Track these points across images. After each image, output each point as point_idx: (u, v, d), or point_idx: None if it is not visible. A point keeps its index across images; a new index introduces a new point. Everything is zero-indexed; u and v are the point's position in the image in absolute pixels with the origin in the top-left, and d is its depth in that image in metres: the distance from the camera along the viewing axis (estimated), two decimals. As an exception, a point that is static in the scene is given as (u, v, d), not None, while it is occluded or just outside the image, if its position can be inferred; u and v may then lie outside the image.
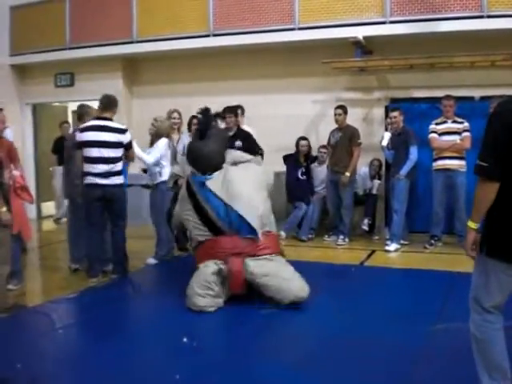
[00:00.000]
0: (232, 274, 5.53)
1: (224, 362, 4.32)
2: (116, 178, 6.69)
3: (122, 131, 6.77)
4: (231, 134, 7.94)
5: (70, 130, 8.51)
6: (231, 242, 5.71)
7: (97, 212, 6.68)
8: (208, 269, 5.57)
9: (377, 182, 9.53)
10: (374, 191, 9.53)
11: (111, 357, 4.40)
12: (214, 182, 5.88)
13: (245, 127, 9.00)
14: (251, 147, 7.78)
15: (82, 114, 7.28)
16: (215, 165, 6.09)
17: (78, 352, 4.58)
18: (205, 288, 5.46)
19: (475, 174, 3.19)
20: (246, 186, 5.88)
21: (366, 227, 9.24)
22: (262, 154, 7.73)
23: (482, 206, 3.21)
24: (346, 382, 3.88)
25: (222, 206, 5.77)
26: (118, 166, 6.71)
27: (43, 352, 4.59)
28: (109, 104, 6.90)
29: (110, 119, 6.79)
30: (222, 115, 7.74)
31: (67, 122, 11.92)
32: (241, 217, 5.68)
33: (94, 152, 6.58)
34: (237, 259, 5.56)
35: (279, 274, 5.53)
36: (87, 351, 4.56)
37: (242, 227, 5.72)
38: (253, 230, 5.67)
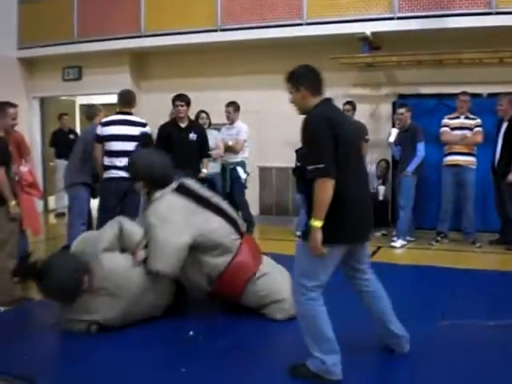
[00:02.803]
0: None
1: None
2: None
3: (143, 125, 6.90)
4: (183, 125, 7.74)
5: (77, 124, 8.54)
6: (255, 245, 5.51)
7: (113, 205, 6.76)
8: None
9: (382, 188, 9.48)
10: (381, 197, 9.47)
11: (118, 349, 4.45)
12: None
13: (239, 123, 9.06)
14: (205, 144, 7.89)
15: (92, 113, 7.43)
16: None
17: (83, 345, 4.60)
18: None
19: (312, 177, 3.57)
20: None
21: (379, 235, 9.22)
22: (209, 156, 8.03)
23: (325, 204, 3.56)
24: (352, 377, 3.88)
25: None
26: None
27: (50, 345, 4.61)
28: (130, 99, 7.08)
29: (131, 113, 6.96)
30: (172, 102, 7.65)
31: (66, 114, 11.93)
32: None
33: (118, 146, 6.71)
34: None
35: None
36: (93, 343, 4.59)
37: None
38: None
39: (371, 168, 9.47)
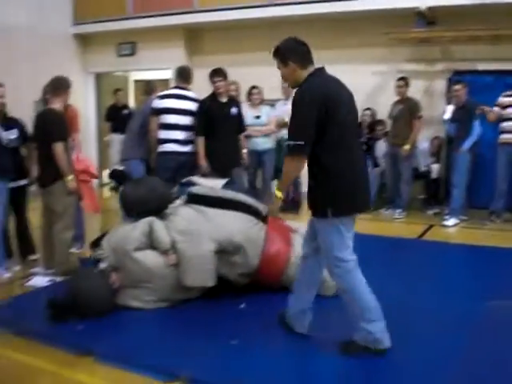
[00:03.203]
0: None
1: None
2: (190, 146, 6.97)
3: (198, 101, 7.03)
4: (224, 100, 7.22)
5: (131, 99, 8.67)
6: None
7: (168, 179, 6.83)
8: None
9: (436, 165, 9.33)
10: (434, 175, 9.32)
11: (170, 322, 4.55)
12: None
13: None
14: (243, 119, 7.58)
15: (150, 89, 7.55)
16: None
17: (136, 316, 4.73)
18: None
19: (290, 153, 3.72)
20: None
21: (432, 214, 9.15)
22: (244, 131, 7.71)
23: (291, 179, 3.96)
24: (400, 354, 3.90)
25: None
26: (193, 135, 6.98)
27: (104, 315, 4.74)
28: (188, 75, 7.23)
29: (188, 89, 7.10)
30: (210, 78, 7.18)
31: (121, 89, 12.07)
32: None
33: (173, 119, 6.86)
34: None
35: None
36: (147, 315, 4.72)
37: None
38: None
39: (425, 145, 9.35)
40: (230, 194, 5.38)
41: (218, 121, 6.95)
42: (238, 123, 7.38)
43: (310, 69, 4.01)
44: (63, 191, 5.64)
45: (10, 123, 6.16)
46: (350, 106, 3.93)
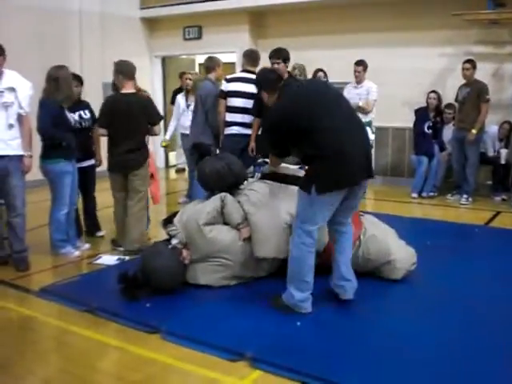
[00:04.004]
0: None
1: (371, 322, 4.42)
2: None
3: None
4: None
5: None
6: None
7: None
8: None
9: (504, 150, 9.06)
10: (503, 161, 9.03)
11: (233, 302, 4.65)
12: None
13: (368, 82, 8.92)
14: None
15: (211, 66, 7.58)
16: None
17: (199, 295, 4.84)
18: None
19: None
20: None
21: (499, 200, 8.98)
22: None
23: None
24: (464, 343, 3.88)
25: None
26: None
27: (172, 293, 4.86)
28: (256, 58, 7.26)
29: (255, 72, 7.00)
30: (269, 59, 6.73)
31: (186, 72, 12.17)
32: None
33: (239, 102, 6.97)
34: None
35: None
36: (215, 294, 4.82)
37: None
38: None
39: (494, 129, 9.14)
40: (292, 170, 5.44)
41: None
42: None
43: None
44: (147, 174, 6.06)
45: (82, 105, 6.54)
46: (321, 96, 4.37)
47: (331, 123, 4.14)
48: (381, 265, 5.04)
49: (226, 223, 5.02)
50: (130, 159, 5.93)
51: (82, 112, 6.45)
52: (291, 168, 5.43)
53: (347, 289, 4.50)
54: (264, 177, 5.39)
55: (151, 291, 4.70)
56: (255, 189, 5.15)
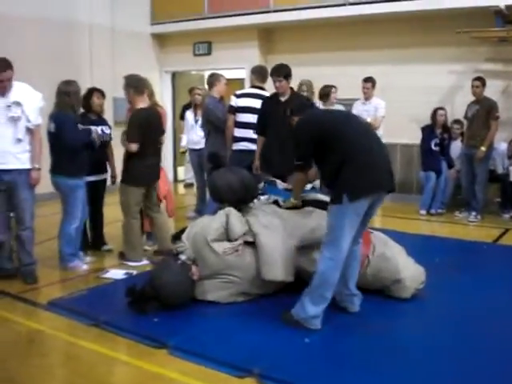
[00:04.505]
0: None
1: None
2: None
3: None
4: (283, 99, 6.49)
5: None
6: None
7: None
8: None
9: None
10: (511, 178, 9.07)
11: (241, 317, 4.65)
12: None
13: (376, 99, 8.95)
14: None
15: (211, 81, 7.77)
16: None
17: (209, 312, 4.84)
18: None
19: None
20: None
21: (508, 218, 8.94)
22: None
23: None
24: (475, 363, 3.87)
25: None
26: None
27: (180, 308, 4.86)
28: (265, 74, 7.27)
29: (264, 88, 7.20)
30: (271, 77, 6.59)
31: (195, 88, 12.20)
32: None
33: (249, 118, 6.98)
34: None
35: None
36: (223, 310, 4.82)
37: None
38: None
39: (503, 146, 9.12)
40: (311, 196, 5.48)
41: (273, 122, 6.46)
42: None
43: None
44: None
45: (104, 121, 6.73)
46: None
47: (356, 134, 4.33)
48: (390, 283, 5.01)
49: (229, 239, 5.02)
50: (156, 172, 6.26)
51: (103, 127, 6.53)
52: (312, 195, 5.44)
53: (355, 302, 4.62)
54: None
55: (159, 306, 4.70)
56: (266, 210, 5.18)
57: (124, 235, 6.24)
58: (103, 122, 6.64)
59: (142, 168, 6.05)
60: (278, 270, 4.79)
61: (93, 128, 6.21)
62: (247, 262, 4.92)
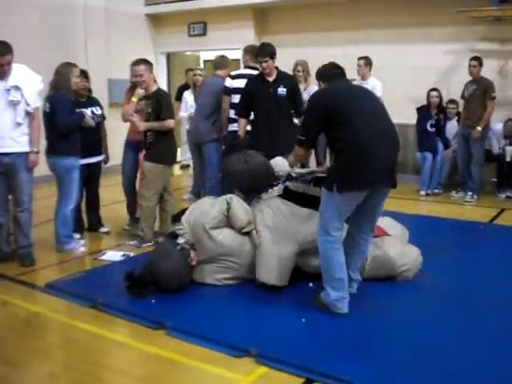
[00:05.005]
0: None
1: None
2: None
3: None
4: (271, 78, 6.39)
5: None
6: None
7: None
8: None
9: (510, 148, 8.98)
10: (508, 158, 8.96)
11: (239, 300, 4.66)
12: None
13: (373, 79, 8.92)
14: (297, 100, 6.53)
15: (222, 64, 7.69)
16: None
17: (209, 293, 4.86)
18: None
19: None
20: None
21: (504, 198, 8.95)
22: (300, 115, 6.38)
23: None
24: (469, 342, 3.90)
25: None
26: None
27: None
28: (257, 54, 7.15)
29: (258, 69, 7.02)
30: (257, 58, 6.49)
31: (192, 69, 12.11)
32: None
33: None
34: None
35: None
36: (218, 293, 4.84)
37: None
38: None
39: (499, 126, 9.12)
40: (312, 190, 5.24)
41: (261, 103, 6.38)
42: (291, 105, 6.52)
43: None
44: None
45: (94, 102, 6.65)
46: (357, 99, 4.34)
47: (364, 121, 4.14)
48: (392, 276, 5.04)
49: (231, 226, 5.00)
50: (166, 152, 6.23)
51: (93, 108, 6.50)
52: (312, 189, 5.20)
53: (353, 285, 4.60)
54: (285, 192, 5.20)
55: (156, 291, 4.71)
56: (272, 206, 5.04)
57: (146, 218, 6.17)
58: (93, 103, 6.58)
59: (172, 146, 6.24)
60: (272, 274, 4.74)
61: (84, 112, 6.18)
62: (247, 249, 4.92)
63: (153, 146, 6.05)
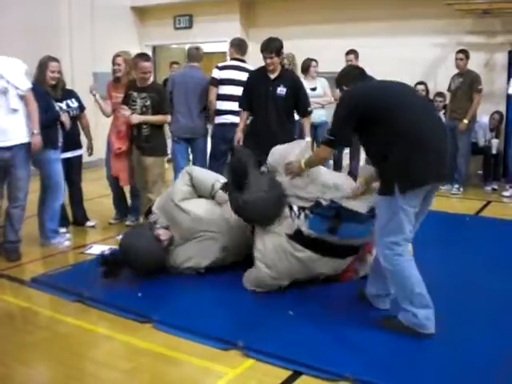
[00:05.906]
0: None
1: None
2: None
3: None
4: (272, 76, 6.13)
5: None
6: None
7: (223, 151, 7.06)
8: None
9: (495, 141, 9.05)
10: (494, 150, 9.05)
11: (224, 290, 4.65)
12: None
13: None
14: (302, 99, 6.27)
15: (199, 56, 7.49)
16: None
17: (194, 283, 4.84)
18: None
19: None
20: None
21: (490, 190, 8.99)
22: (309, 114, 6.40)
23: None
24: (454, 334, 3.91)
25: None
26: None
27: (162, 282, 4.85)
28: (245, 48, 7.32)
29: (245, 61, 7.16)
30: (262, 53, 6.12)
31: (177, 62, 11.95)
32: None
33: (232, 90, 6.90)
34: None
35: None
36: (204, 284, 4.82)
37: None
38: None
39: (485, 119, 9.15)
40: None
41: (260, 102, 6.16)
42: (293, 105, 6.25)
43: None
44: None
45: (69, 94, 6.47)
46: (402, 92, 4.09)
47: (418, 113, 3.83)
48: None
49: (200, 195, 5.04)
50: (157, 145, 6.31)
51: (69, 101, 6.37)
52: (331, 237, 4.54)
53: (387, 301, 4.26)
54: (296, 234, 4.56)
55: (131, 271, 4.77)
56: (278, 251, 4.55)
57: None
58: (69, 96, 6.43)
59: (165, 137, 6.37)
60: (253, 287, 4.64)
61: (61, 113, 6.06)
62: (217, 214, 4.91)
63: (150, 139, 6.09)
